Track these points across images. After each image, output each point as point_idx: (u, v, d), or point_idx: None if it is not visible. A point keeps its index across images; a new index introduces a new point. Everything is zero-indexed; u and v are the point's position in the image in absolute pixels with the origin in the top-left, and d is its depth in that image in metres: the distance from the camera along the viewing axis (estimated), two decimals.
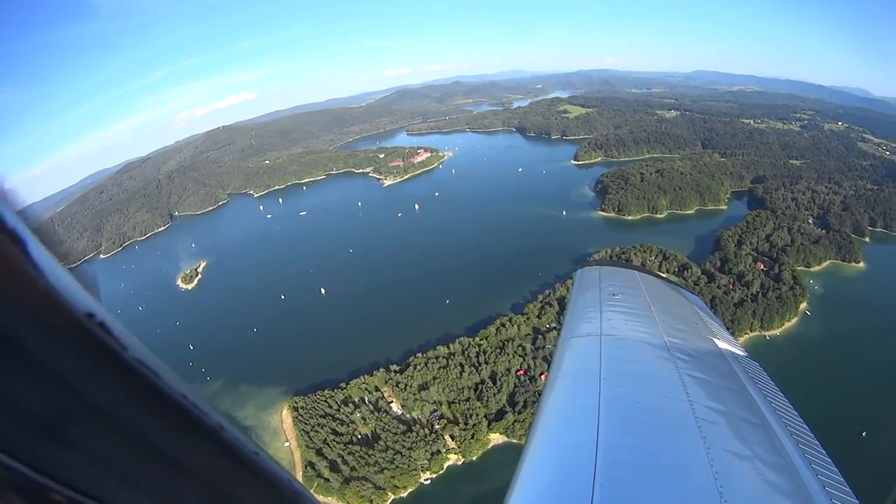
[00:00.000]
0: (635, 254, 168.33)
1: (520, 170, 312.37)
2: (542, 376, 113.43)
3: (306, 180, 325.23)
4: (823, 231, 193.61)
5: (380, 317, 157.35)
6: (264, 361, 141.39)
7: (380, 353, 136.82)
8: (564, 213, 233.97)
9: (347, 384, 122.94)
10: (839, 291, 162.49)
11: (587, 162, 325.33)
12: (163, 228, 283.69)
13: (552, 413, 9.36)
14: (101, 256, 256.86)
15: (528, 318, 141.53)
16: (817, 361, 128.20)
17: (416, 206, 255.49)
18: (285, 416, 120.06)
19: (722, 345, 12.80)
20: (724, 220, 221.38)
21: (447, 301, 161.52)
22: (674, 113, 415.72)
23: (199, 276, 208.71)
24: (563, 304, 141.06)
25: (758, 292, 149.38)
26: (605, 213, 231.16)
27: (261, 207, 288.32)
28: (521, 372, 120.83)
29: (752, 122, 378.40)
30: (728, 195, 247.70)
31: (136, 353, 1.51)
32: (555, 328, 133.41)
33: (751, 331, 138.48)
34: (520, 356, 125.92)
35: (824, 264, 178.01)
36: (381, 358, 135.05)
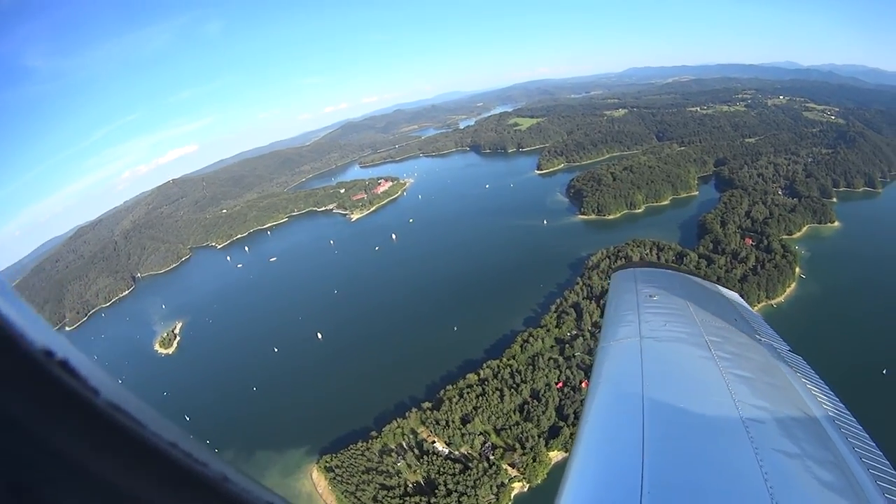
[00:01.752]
0: (631, 249, 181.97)
1: (487, 186, 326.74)
2: (584, 384, 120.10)
3: (269, 225, 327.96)
4: (795, 200, 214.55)
5: (389, 355, 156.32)
6: (275, 422, 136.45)
7: (402, 394, 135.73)
8: (545, 221, 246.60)
9: (380, 433, 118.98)
10: (824, 251, 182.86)
11: (551, 170, 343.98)
12: (127, 292, 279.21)
13: (596, 420, 9.67)
14: (67, 329, 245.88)
15: (548, 331, 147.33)
16: (825, 316, 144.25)
17: (393, 236, 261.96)
18: (318, 479, 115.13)
19: (763, 340, 13.18)
20: (700, 204, 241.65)
21: (455, 328, 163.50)
22: (622, 111, 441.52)
23: (178, 338, 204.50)
24: (579, 310, 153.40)
25: (755, 265, 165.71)
26: (586, 216, 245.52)
27: (228, 258, 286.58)
28: (560, 384, 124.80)
29: (698, 109, 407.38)
30: (696, 181, 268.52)
31: (111, 396, 1.20)
32: (577, 336, 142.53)
33: (758, 302, 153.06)
34: (554, 369, 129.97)
35: (804, 229, 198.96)
36: (406, 398, 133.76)
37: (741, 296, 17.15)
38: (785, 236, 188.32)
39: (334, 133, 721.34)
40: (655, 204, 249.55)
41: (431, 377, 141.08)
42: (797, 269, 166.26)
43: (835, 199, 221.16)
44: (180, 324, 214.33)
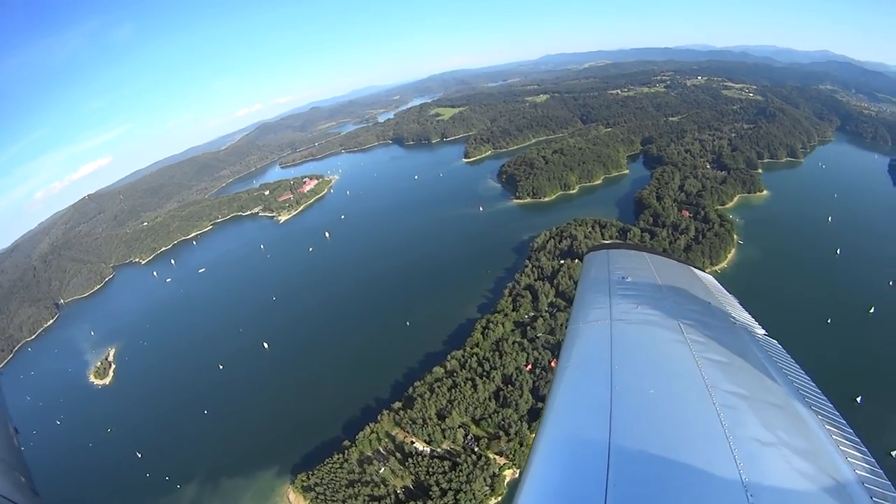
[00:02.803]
0: (574, 229, 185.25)
1: (416, 177, 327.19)
2: (553, 363, 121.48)
3: (193, 234, 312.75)
4: (725, 172, 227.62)
5: (343, 358, 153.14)
6: (236, 446, 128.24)
7: (367, 397, 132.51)
8: (481, 208, 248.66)
9: (354, 441, 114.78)
10: (756, 218, 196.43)
11: (478, 157, 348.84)
12: (52, 321, 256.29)
13: (562, 404, 9.64)
14: None
15: (506, 315, 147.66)
16: (765, 276, 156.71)
17: (327, 235, 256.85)
18: (296, 501, 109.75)
19: (737, 323, 13.16)
20: (631, 182, 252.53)
21: (407, 323, 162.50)
22: (543, 97, 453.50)
23: (113, 366, 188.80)
24: (533, 292, 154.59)
25: (696, 235, 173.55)
26: (521, 200, 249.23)
27: (154, 273, 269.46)
28: (530, 367, 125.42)
29: (619, 91, 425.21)
30: (625, 160, 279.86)
31: None
32: (536, 317, 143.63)
33: (704, 269, 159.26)
34: (520, 352, 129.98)
35: (736, 199, 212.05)
36: (372, 400, 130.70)
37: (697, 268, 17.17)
38: (719, 207, 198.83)
39: (251, 135, 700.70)
40: (589, 184, 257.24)
41: (394, 376, 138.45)
42: (735, 237, 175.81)
43: (760, 171, 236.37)
44: (113, 350, 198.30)
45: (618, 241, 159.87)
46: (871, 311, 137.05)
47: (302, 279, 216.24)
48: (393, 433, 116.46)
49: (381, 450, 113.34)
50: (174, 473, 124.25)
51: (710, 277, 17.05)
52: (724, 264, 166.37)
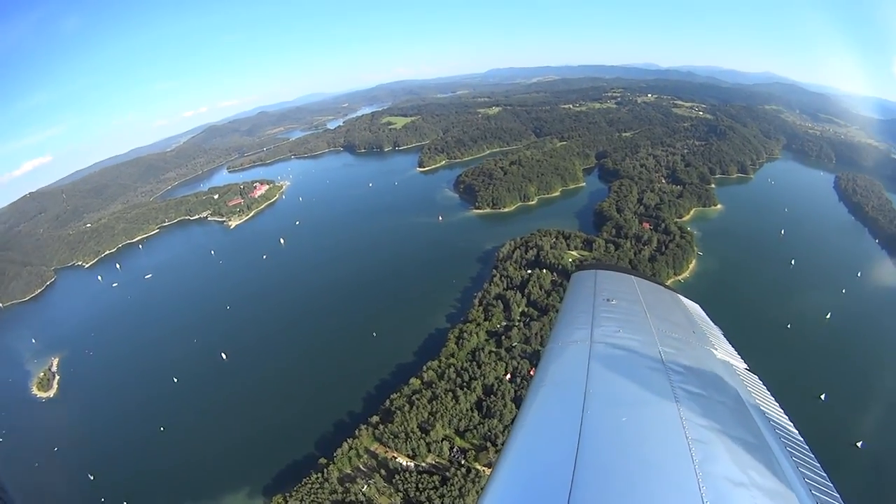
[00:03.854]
0: (539, 239, 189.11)
1: (370, 185, 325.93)
2: (531, 371, 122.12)
3: (139, 238, 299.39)
4: (680, 186, 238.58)
5: (307, 370, 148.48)
6: (198, 466, 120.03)
7: (339, 411, 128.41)
8: (440, 218, 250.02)
9: (332, 458, 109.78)
10: (712, 230, 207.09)
11: (433, 167, 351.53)
12: None
13: (531, 425, 9.59)
14: None
15: (478, 325, 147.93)
16: (726, 284, 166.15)
17: (281, 241, 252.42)
18: None
19: (719, 356, 13.13)
20: (589, 194, 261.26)
21: (374, 333, 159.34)
22: (496, 109, 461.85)
23: (57, 377, 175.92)
24: (505, 301, 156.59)
25: (658, 246, 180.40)
26: (481, 210, 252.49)
27: (99, 278, 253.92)
28: (509, 376, 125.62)
29: (571, 106, 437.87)
30: (581, 173, 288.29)
31: None
32: (510, 326, 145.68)
33: (668, 278, 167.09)
34: (498, 361, 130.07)
35: (692, 212, 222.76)
36: (344, 415, 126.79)
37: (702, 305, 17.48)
38: (677, 219, 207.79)
39: (197, 137, 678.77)
40: (547, 196, 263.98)
41: (365, 388, 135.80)
42: (695, 248, 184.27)
43: (713, 185, 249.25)
44: (57, 360, 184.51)
45: (606, 262, 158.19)
46: (828, 316, 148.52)
47: (257, 286, 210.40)
48: (372, 448, 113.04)
49: (361, 467, 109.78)
50: (132, 498, 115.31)
51: (696, 306, 17.20)
52: (686, 274, 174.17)
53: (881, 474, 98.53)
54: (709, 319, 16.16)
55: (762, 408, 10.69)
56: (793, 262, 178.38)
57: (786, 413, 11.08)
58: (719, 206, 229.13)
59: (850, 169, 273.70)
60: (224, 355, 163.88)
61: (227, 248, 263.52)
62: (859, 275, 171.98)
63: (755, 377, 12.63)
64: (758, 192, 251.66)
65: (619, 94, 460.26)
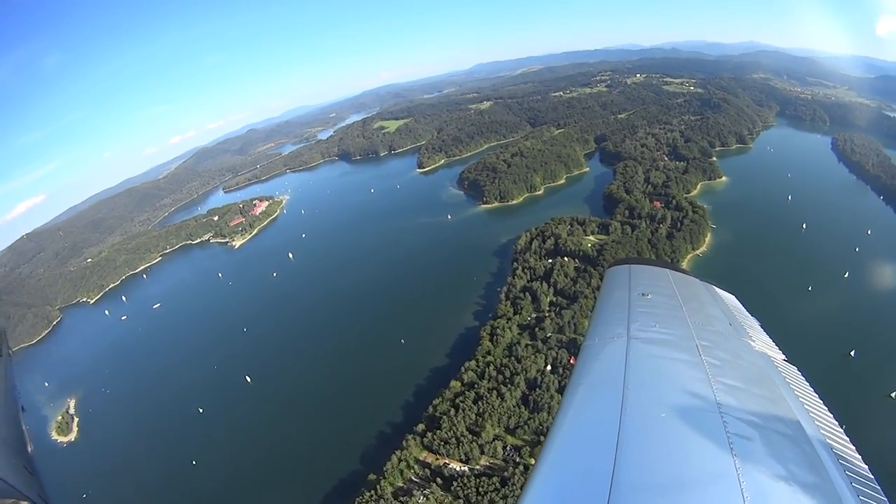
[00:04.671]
0: (554, 228, 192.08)
1: (372, 190, 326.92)
2: (571, 360, 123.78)
3: (142, 267, 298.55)
4: (683, 163, 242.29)
5: (339, 384, 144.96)
6: (241, 498, 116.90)
7: (378, 423, 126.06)
8: (449, 216, 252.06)
9: (382, 473, 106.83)
10: (721, 203, 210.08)
11: (433, 167, 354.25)
12: None
13: (571, 423, 9.75)
14: None
15: (509, 319, 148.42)
16: (744, 254, 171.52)
17: (290, 255, 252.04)
18: None
19: (757, 347, 13.12)
20: (595, 178, 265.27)
21: (402, 340, 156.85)
22: (487, 103, 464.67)
23: (76, 419, 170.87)
24: (532, 293, 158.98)
25: (673, 223, 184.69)
26: (489, 205, 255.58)
27: (106, 312, 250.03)
28: (549, 367, 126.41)
29: (561, 93, 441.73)
30: (583, 158, 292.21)
31: None
32: (542, 318, 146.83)
33: (687, 254, 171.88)
34: (535, 353, 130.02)
35: (699, 187, 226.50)
36: (385, 426, 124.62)
37: (736, 296, 17.38)
38: (685, 195, 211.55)
39: (188, 162, 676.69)
40: (553, 184, 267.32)
41: (403, 396, 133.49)
42: (709, 222, 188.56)
43: (714, 158, 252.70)
44: (73, 401, 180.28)
45: (640, 256, 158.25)
46: (846, 275, 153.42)
47: (272, 305, 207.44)
48: (422, 458, 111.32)
49: (413, 478, 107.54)
50: None
51: (732, 297, 17.00)
52: (703, 248, 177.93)
53: None
54: (745, 310, 16.20)
55: (801, 399, 10.73)
56: (804, 226, 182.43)
57: (825, 404, 11.26)
58: (724, 178, 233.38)
59: (846, 129, 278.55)
60: (248, 378, 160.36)
61: (235, 269, 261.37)
62: (869, 232, 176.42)
63: (794, 368, 12.58)
64: (759, 161, 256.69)
65: (607, 77, 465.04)
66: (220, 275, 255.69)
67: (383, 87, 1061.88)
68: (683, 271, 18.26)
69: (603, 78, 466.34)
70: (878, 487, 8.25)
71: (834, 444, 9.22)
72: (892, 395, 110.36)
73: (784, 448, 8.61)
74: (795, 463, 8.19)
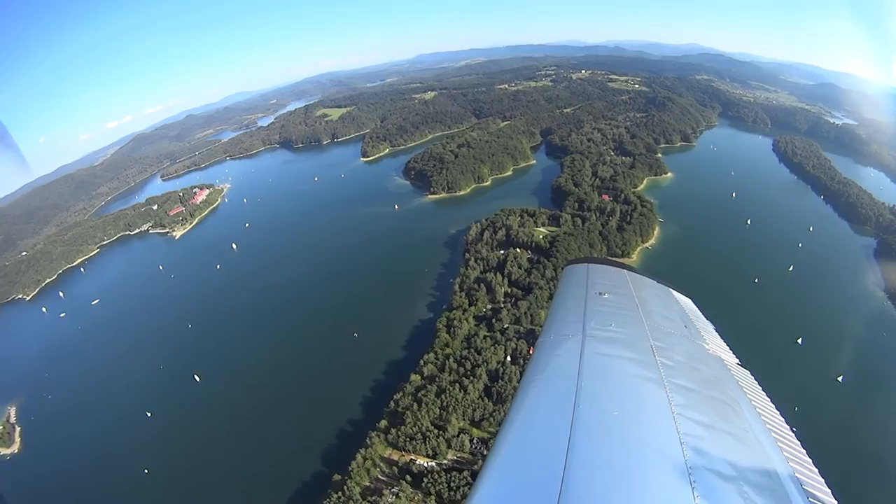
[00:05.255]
0: (505, 218, 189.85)
1: (316, 179, 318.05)
2: (531, 350, 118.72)
3: (80, 261, 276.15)
4: (630, 158, 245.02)
5: (292, 381, 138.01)
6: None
7: (337, 420, 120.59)
8: (396, 206, 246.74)
9: (348, 473, 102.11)
10: (668, 197, 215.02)
11: (377, 156, 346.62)
12: None
13: (523, 419, 9.67)
14: None
15: (464, 311, 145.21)
16: (691, 246, 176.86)
17: (234, 246, 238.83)
18: None
19: (711, 350, 13.18)
20: (541, 171, 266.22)
21: (355, 334, 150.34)
22: (431, 94, 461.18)
23: (18, 428, 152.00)
24: (487, 284, 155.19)
25: (622, 217, 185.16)
26: (436, 195, 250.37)
27: (44, 310, 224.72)
28: (509, 359, 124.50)
29: (506, 86, 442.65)
30: (530, 151, 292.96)
31: None
32: (498, 309, 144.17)
33: (637, 246, 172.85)
34: (494, 345, 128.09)
35: (645, 182, 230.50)
36: (345, 424, 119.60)
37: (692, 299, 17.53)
38: (633, 189, 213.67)
39: (126, 148, 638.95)
40: (500, 175, 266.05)
41: (361, 392, 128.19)
42: (656, 215, 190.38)
43: (660, 155, 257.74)
44: (14, 409, 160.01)
45: (599, 256, 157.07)
46: (790, 269, 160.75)
47: (217, 298, 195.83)
48: (387, 455, 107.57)
49: (380, 476, 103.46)
50: None
51: (688, 300, 17.22)
52: (652, 241, 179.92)
53: (863, 403, 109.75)
54: (700, 314, 16.32)
55: (753, 402, 10.79)
56: (748, 221, 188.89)
57: (774, 403, 11.29)
58: (670, 174, 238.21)
59: (786, 132, 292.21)
60: (197, 377, 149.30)
61: (177, 261, 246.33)
62: (811, 229, 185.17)
63: (747, 372, 12.61)
64: (703, 159, 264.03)
65: (553, 72, 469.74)
66: (160, 267, 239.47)
67: (325, 75, 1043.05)
68: (641, 273, 18.08)
69: (548, 72, 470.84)
70: (828, 490, 8.36)
71: (784, 446, 9.33)
72: (839, 378, 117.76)
73: (735, 449, 8.67)
74: (745, 463, 8.30)
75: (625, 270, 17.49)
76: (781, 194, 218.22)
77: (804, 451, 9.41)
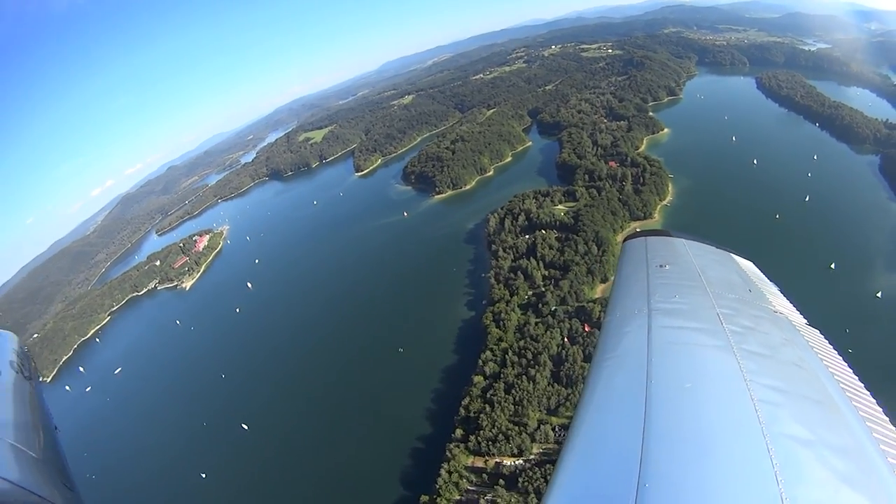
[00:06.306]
0: (521, 203, 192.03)
1: (315, 202, 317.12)
2: (586, 327, 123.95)
3: (93, 331, 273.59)
4: (625, 122, 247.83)
5: (344, 410, 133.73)
6: None
7: (407, 441, 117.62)
8: (405, 213, 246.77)
9: (437, 492, 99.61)
10: (671, 152, 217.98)
11: (372, 168, 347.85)
12: None
13: (598, 401, 9.82)
14: None
15: (507, 302, 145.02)
16: (707, 195, 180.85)
17: (249, 285, 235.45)
18: None
19: (778, 313, 13.10)
20: (540, 150, 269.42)
21: (400, 349, 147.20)
22: (409, 97, 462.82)
23: None
24: (523, 271, 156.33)
25: (635, 179, 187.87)
26: (442, 195, 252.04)
27: (67, 388, 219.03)
28: (567, 339, 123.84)
29: (482, 75, 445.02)
30: (523, 133, 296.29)
31: None
32: (541, 293, 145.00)
33: (656, 206, 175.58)
34: (549, 329, 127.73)
35: (645, 142, 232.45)
36: (416, 442, 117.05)
37: (755, 264, 17.25)
38: (636, 151, 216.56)
39: (114, 211, 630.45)
40: (501, 163, 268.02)
41: (423, 405, 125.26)
42: (666, 172, 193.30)
43: (651, 113, 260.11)
44: None
45: (656, 228, 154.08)
46: (807, 199, 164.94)
47: (244, 343, 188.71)
48: (470, 463, 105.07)
49: (469, 487, 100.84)
50: None
51: (750, 264, 16.88)
52: (670, 197, 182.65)
53: None
54: (764, 276, 16.19)
55: (825, 362, 10.66)
56: (755, 161, 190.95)
57: (841, 356, 11.26)
58: (666, 129, 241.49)
59: (765, 68, 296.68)
60: (245, 426, 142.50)
61: (193, 313, 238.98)
62: (815, 157, 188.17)
63: (816, 331, 12.46)
64: (693, 109, 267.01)
65: (523, 53, 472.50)
66: (177, 322, 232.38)
67: (296, 101, 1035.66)
68: (700, 240, 17.85)
69: (519, 54, 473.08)
70: None
71: (861, 406, 9.18)
72: (878, 294, 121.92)
73: (810, 413, 8.67)
74: (822, 426, 8.29)
75: (682, 240, 17.36)
76: (778, 129, 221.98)
77: (881, 409, 9.24)
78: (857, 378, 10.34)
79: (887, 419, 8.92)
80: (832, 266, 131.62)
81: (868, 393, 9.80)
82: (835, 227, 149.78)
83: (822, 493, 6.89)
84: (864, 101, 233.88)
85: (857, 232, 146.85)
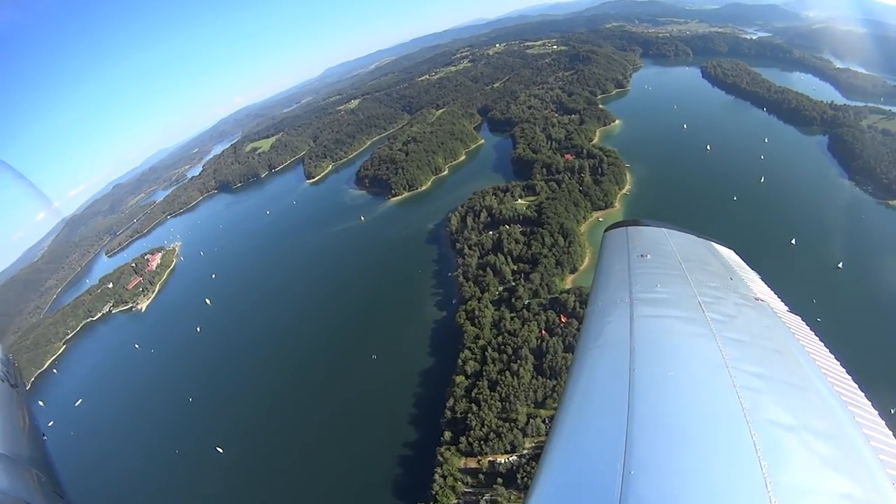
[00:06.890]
0: (481, 199, 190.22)
1: (268, 212, 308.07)
2: (562, 318, 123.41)
3: (49, 362, 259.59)
4: (575, 115, 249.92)
5: (324, 424, 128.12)
6: None
7: (393, 449, 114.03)
8: (362, 217, 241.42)
9: (431, 498, 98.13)
10: (625, 142, 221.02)
11: (323, 174, 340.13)
12: None
13: (582, 389, 9.98)
14: None
15: (479, 300, 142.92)
16: (665, 182, 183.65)
17: (208, 301, 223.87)
18: None
19: (759, 300, 13.09)
20: (493, 147, 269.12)
21: (373, 356, 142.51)
22: (355, 102, 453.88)
23: None
24: (492, 267, 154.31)
25: (594, 170, 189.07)
26: (399, 197, 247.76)
27: None
28: (544, 332, 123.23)
29: (427, 76, 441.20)
30: (474, 131, 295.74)
31: None
32: (513, 288, 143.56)
33: (615, 195, 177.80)
34: (526, 322, 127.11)
35: (598, 134, 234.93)
36: (404, 449, 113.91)
37: (736, 252, 17.41)
38: (590, 143, 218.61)
39: (61, 235, 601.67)
40: (455, 162, 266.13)
41: (405, 411, 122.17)
42: (623, 162, 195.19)
43: (601, 105, 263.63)
44: None
45: (636, 218, 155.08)
46: (762, 180, 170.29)
47: (209, 362, 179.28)
48: (463, 465, 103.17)
49: (466, 489, 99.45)
50: None
51: (731, 252, 17.07)
52: (628, 186, 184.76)
53: (865, 282, 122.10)
54: (744, 264, 16.28)
55: (807, 348, 10.64)
56: (708, 147, 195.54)
57: (827, 347, 11.14)
58: (617, 121, 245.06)
59: (709, 57, 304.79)
60: (220, 449, 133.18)
61: (152, 335, 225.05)
62: (766, 140, 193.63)
63: (797, 318, 12.45)
64: (642, 100, 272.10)
65: (468, 53, 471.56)
66: (136, 346, 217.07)
67: (240, 111, 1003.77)
68: (680, 229, 18.00)
69: (464, 54, 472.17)
70: (889, 432, 8.31)
71: (842, 391, 9.24)
72: (839, 265, 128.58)
73: (792, 398, 8.71)
74: (804, 411, 8.34)
75: (663, 229, 17.51)
76: (727, 115, 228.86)
77: (863, 394, 9.29)
78: (838, 363, 10.36)
79: (869, 403, 9.00)
80: (793, 241, 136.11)
81: (850, 378, 9.84)
82: (791, 205, 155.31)
83: (805, 477, 6.95)
84: (808, 85, 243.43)
85: (813, 208, 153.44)
